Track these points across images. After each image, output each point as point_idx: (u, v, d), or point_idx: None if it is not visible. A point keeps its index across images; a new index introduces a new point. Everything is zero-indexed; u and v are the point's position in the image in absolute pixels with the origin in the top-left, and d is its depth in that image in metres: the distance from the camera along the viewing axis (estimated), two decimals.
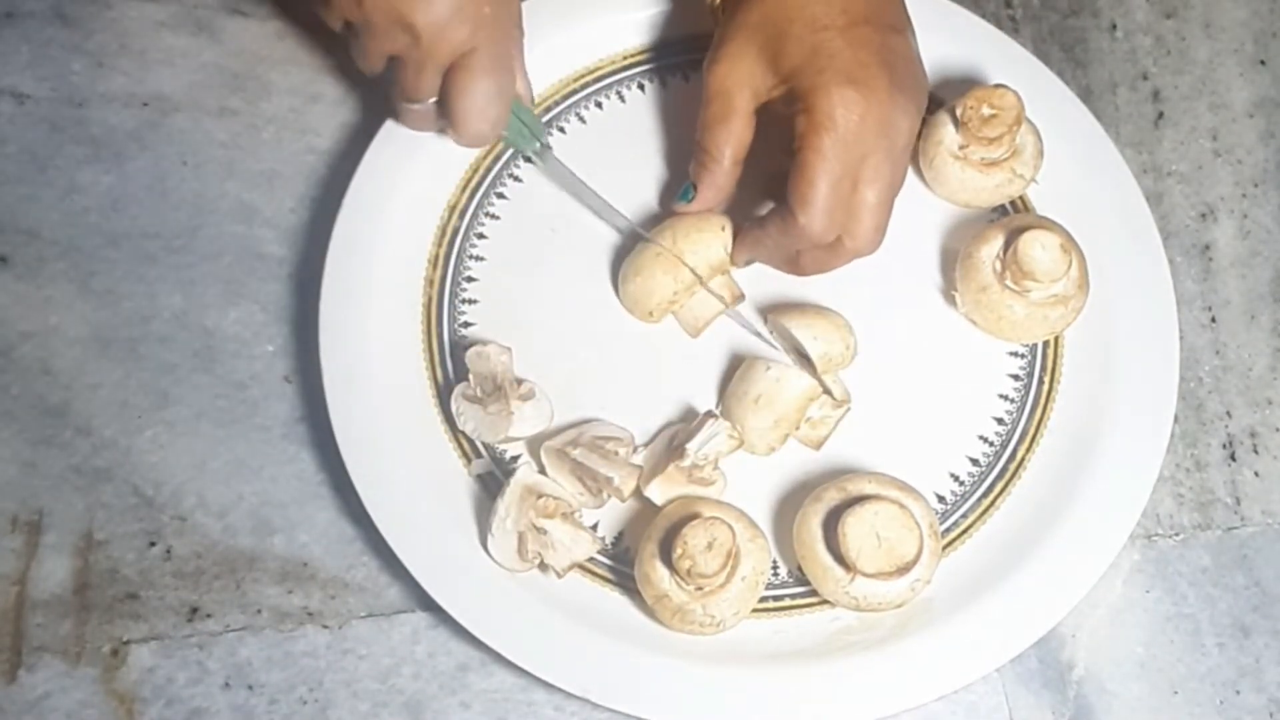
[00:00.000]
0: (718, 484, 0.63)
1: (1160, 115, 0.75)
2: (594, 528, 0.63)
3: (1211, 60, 0.77)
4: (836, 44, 0.59)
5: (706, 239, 0.65)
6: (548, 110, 0.71)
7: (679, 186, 0.66)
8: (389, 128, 0.68)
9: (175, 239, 0.70)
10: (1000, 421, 0.66)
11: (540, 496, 0.61)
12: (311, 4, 0.61)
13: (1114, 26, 0.77)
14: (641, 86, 0.72)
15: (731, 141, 0.62)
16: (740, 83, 0.61)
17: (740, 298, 0.66)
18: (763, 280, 0.66)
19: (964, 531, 0.64)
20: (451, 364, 0.66)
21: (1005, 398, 0.66)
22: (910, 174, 0.67)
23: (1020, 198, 0.69)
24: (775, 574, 0.63)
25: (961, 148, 0.67)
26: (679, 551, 0.58)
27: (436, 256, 0.68)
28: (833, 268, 0.62)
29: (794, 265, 0.63)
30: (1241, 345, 0.71)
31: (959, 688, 0.60)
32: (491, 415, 0.62)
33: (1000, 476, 0.65)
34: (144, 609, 0.63)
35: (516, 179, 0.70)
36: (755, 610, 0.61)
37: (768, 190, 0.67)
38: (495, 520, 0.61)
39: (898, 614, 0.61)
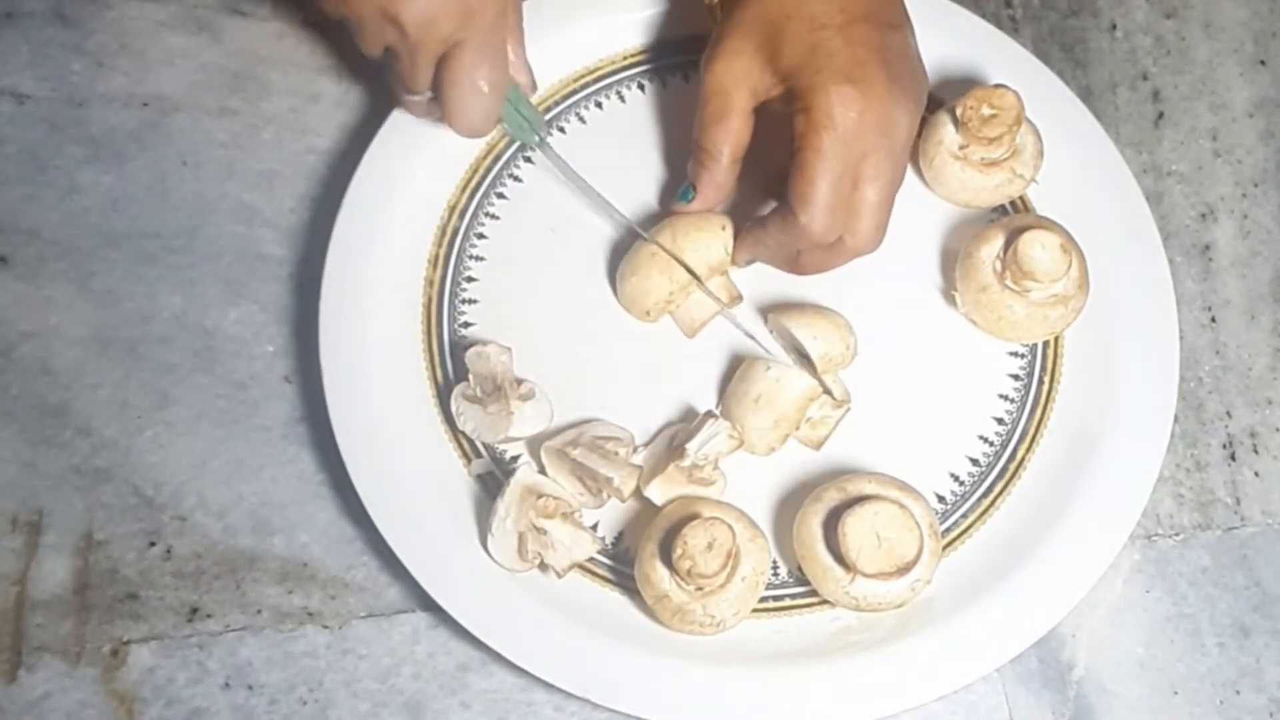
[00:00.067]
0: (718, 484, 0.63)
1: (1160, 115, 0.75)
2: (594, 528, 0.63)
3: (1211, 60, 0.77)
4: (835, 42, 0.59)
5: (706, 238, 0.65)
6: (548, 110, 0.71)
7: (679, 186, 0.65)
8: (389, 128, 0.68)
9: (175, 239, 0.69)
10: (1000, 421, 0.66)
11: (540, 496, 0.61)
12: None
13: (1114, 26, 0.77)
14: (641, 86, 0.72)
15: (730, 140, 0.62)
16: (738, 81, 0.61)
17: (738, 299, 0.66)
18: (763, 280, 0.66)
19: (964, 531, 0.64)
20: (451, 364, 0.66)
21: (1005, 398, 0.66)
22: (910, 174, 0.67)
23: (1020, 198, 0.69)
24: (775, 574, 0.63)
25: (961, 148, 0.67)
26: (679, 552, 0.58)
27: (436, 256, 0.68)
28: (833, 267, 0.62)
29: (794, 265, 0.63)
30: (1241, 345, 0.71)
31: (959, 688, 0.60)
32: (491, 415, 0.62)
33: (1000, 476, 0.65)
34: (144, 609, 0.63)
35: (516, 179, 0.70)
36: (755, 610, 0.61)
37: (768, 190, 0.67)
38: (495, 520, 0.61)
39: (898, 614, 0.61)
